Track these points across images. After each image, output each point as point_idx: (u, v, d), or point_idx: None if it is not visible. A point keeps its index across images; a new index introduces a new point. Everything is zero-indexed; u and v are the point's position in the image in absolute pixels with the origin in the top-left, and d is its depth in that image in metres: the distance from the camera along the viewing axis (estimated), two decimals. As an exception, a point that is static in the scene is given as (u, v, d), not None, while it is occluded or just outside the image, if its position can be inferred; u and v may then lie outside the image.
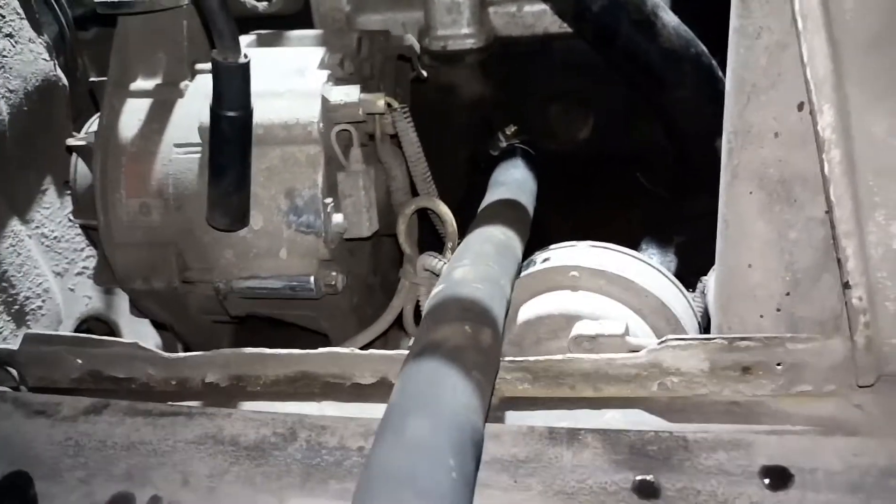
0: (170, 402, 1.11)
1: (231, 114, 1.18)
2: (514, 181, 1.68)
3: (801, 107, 0.97)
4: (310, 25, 1.96)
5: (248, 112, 1.21)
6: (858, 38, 0.90)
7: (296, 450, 1.00)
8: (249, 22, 1.76)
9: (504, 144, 1.88)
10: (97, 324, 1.95)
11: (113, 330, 1.94)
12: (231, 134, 1.20)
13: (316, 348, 1.17)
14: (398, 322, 1.52)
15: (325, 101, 1.34)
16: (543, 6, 1.84)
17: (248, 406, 1.13)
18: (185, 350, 1.83)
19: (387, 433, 0.80)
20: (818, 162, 0.94)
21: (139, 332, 1.97)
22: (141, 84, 1.45)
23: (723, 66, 1.08)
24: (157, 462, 1.02)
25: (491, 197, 1.59)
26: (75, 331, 1.80)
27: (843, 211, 0.93)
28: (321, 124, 1.33)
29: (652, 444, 0.92)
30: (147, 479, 1.01)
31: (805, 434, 0.93)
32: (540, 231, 1.67)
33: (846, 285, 0.95)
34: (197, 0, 1.07)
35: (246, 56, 1.16)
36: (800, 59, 0.91)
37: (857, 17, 0.90)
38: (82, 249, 1.83)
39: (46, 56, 1.66)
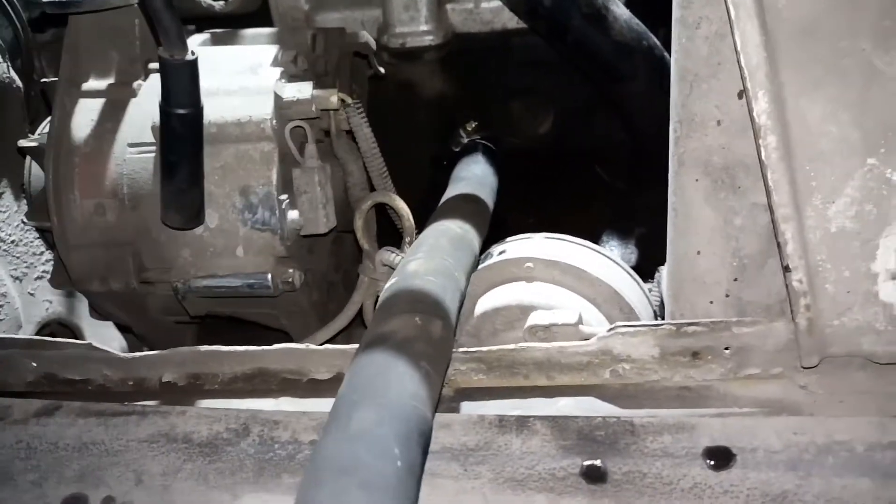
0: (125, 403, 1.10)
1: (180, 111, 1.18)
2: (474, 176, 1.70)
3: (740, 95, 0.99)
4: (269, 24, 1.96)
5: (197, 109, 1.21)
6: (791, 26, 0.92)
7: (248, 445, 1.00)
8: (206, 22, 1.75)
9: (465, 140, 1.89)
10: (60, 328, 1.93)
11: (75, 333, 1.92)
12: (181, 131, 1.20)
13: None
14: (360, 317, 1.53)
15: (277, 97, 1.34)
16: (500, 3, 1.86)
17: (206, 404, 1.12)
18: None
19: (333, 425, 0.80)
20: (758, 148, 0.96)
21: (102, 336, 1.95)
22: (93, 84, 1.44)
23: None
24: (110, 462, 1.01)
25: (451, 192, 1.60)
26: (37, 335, 1.79)
27: (780, 196, 0.95)
28: (274, 121, 1.33)
29: (599, 429, 0.93)
30: (100, 479, 1.01)
31: (748, 415, 0.95)
32: (502, 226, 1.69)
33: (786, 269, 0.97)
34: (142, -1, 1.06)
35: (193, 53, 1.16)
36: (734, 48, 0.92)
37: (789, 6, 0.92)
38: (41, 253, 1.81)
39: (-1, 58, 1.64)
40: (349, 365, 0.92)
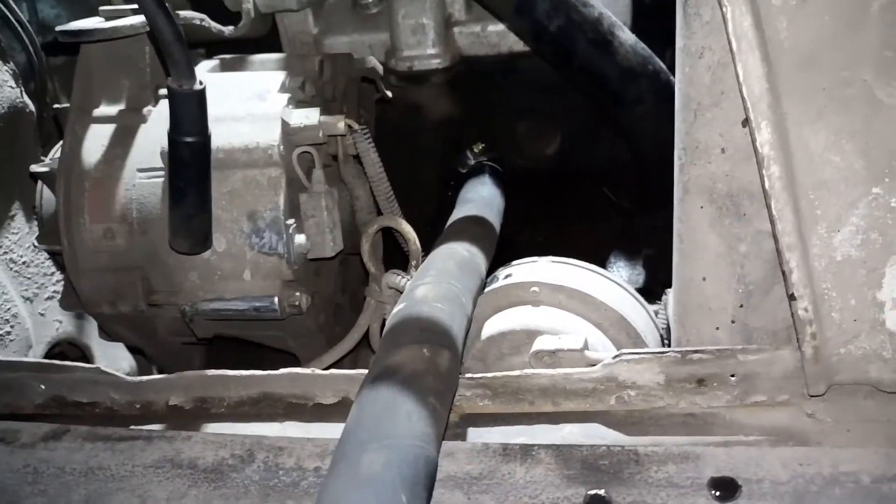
0: (131, 427, 1.11)
1: (189, 139, 1.20)
2: (480, 198, 1.70)
3: (744, 123, 0.99)
4: (279, 49, 1.98)
5: (205, 137, 1.22)
6: (793, 57, 0.92)
7: (253, 471, 1.00)
8: (217, 46, 1.78)
9: (472, 162, 1.89)
10: (70, 348, 1.94)
11: (85, 354, 1.94)
12: (189, 158, 1.21)
13: (281, 368, 1.17)
14: (366, 340, 1.53)
15: (285, 124, 1.36)
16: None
17: (212, 428, 1.13)
18: (159, 372, 1.83)
19: (341, 466, 0.80)
20: (762, 177, 0.96)
21: (112, 356, 1.97)
22: (104, 110, 1.46)
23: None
24: (116, 487, 1.02)
25: (457, 214, 1.60)
26: (47, 355, 1.80)
27: (784, 224, 0.95)
28: (281, 147, 1.34)
29: (604, 458, 0.93)
30: (106, 504, 1.01)
31: (754, 444, 0.94)
32: (509, 247, 1.69)
33: (791, 297, 0.97)
34: (151, 30, 1.07)
35: (201, 83, 1.18)
36: (736, 78, 0.93)
37: (791, 37, 0.92)
38: (52, 274, 1.83)
39: (13, 83, 1.66)
40: (356, 396, 0.92)
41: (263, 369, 1.68)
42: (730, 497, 0.86)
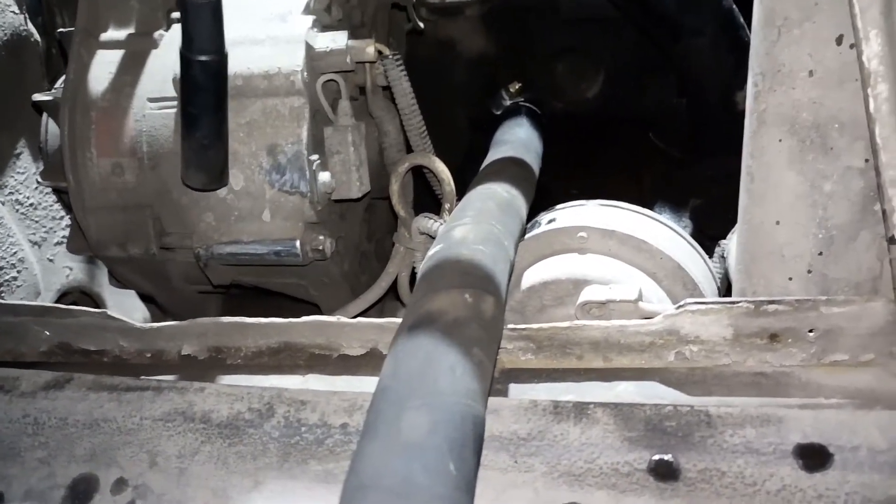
0: (140, 377, 1.01)
1: (203, 58, 1.07)
2: (518, 140, 1.58)
3: (839, 40, 0.86)
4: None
5: (221, 56, 1.10)
6: (911, -46, 0.78)
7: (273, 427, 0.90)
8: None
9: (507, 103, 1.78)
10: (81, 297, 1.86)
11: (97, 302, 1.85)
12: (204, 81, 1.09)
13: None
14: (393, 290, 1.42)
15: (309, 48, 1.23)
16: (549, -46, 1.72)
17: (227, 380, 1.04)
18: (171, 322, 1.74)
19: (378, 426, 0.70)
20: (858, 102, 0.84)
21: (124, 305, 1.88)
22: (112, 34, 1.34)
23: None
24: (123, 441, 0.93)
25: (494, 155, 1.49)
26: (56, 302, 1.72)
27: (890, 155, 0.82)
28: (305, 73, 1.22)
29: (670, 419, 0.81)
30: (112, 459, 0.92)
31: (843, 408, 0.83)
32: (545, 196, 1.57)
33: (892, 240, 0.84)
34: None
35: (217, -8, 1.05)
36: (842, -22, 0.79)
37: (909, -71, 0.78)
38: (62, 218, 1.74)
39: (15, 8, 1.55)
40: (391, 346, 0.82)
41: (285, 320, 1.60)
42: (820, 467, 0.75)
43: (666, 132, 1.80)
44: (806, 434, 0.78)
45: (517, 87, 1.76)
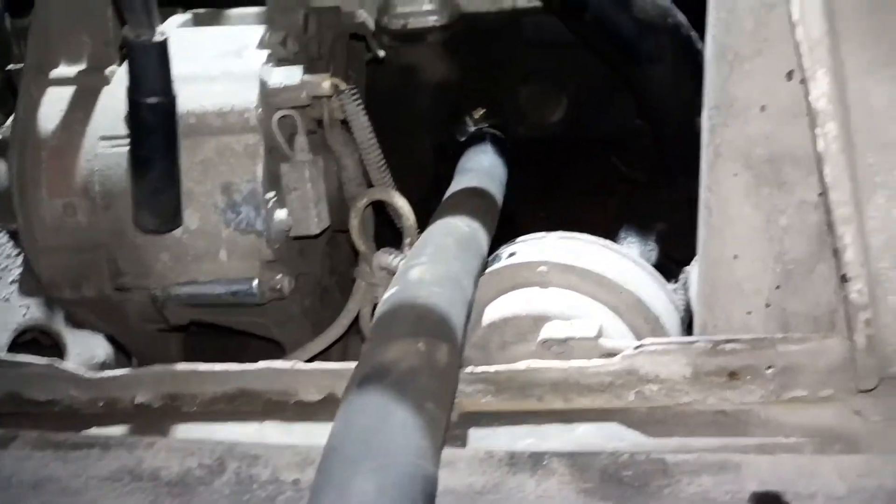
0: (83, 433, 0.99)
1: (150, 100, 1.05)
2: (481, 168, 1.57)
3: (790, 76, 0.86)
4: (261, 4, 1.83)
5: (169, 98, 1.08)
6: (856, -6, 0.78)
7: (223, 484, 0.87)
8: (198, 2, 1.63)
9: (472, 129, 1.76)
10: (41, 335, 1.81)
11: (56, 341, 1.81)
12: (153, 123, 1.07)
13: (265, 356, 1.06)
14: (357, 325, 1.40)
15: (263, 84, 1.22)
16: (510, -21, 1.72)
17: (182, 430, 1.02)
18: (133, 361, 1.71)
19: (327, 492, 0.68)
20: (811, 137, 0.83)
21: (87, 343, 1.83)
22: (63, 70, 1.31)
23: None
24: (67, 502, 0.89)
25: (456, 185, 1.47)
26: (15, 342, 1.68)
27: (839, 193, 0.81)
28: (260, 110, 1.20)
29: (627, 467, 0.80)
30: (56, 520, 0.89)
31: (801, 451, 0.82)
32: (512, 222, 1.56)
33: (844, 278, 0.84)
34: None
35: (163, 33, 1.02)
36: (788, 19, 0.78)
37: (854, -30, 0.78)
38: (18, 255, 1.69)
39: (-36, 44, 1.51)
40: (342, 399, 0.80)
41: (247, 356, 1.55)
42: (777, 515, 0.74)
43: (629, 156, 1.80)
44: (763, 481, 0.77)
45: (481, 113, 1.75)
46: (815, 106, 0.79)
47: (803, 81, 0.80)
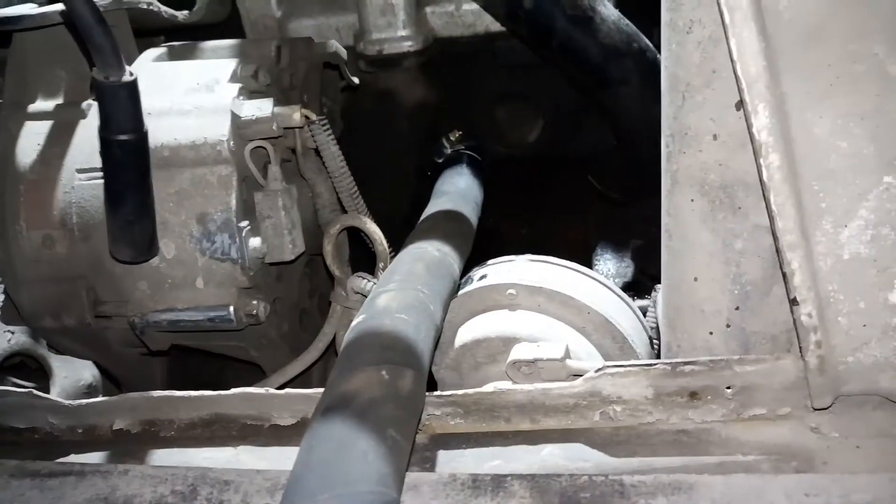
0: (60, 461, 1.01)
1: (122, 137, 1.08)
2: (456, 190, 1.59)
3: (738, 106, 0.89)
4: (241, 35, 1.85)
5: (140, 134, 1.10)
6: (794, 29, 0.81)
7: (195, 511, 0.89)
8: (175, 34, 1.65)
9: (448, 151, 1.78)
10: (27, 360, 1.83)
11: (42, 366, 1.82)
12: (124, 159, 1.10)
13: (245, 376, 1.08)
14: (335, 348, 1.42)
15: (235, 117, 1.24)
16: (481, 5, 1.75)
17: (159, 455, 1.04)
18: (116, 385, 1.72)
19: None
20: (759, 166, 0.86)
21: (73, 366, 1.84)
22: (40, 105, 1.34)
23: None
24: (43, 531, 0.91)
25: (431, 208, 1.49)
26: (0, 367, 1.69)
27: (785, 221, 0.84)
28: (231, 142, 1.23)
29: (585, 489, 0.82)
30: (32, 550, 0.91)
31: (755, 470, 0.84)
32: (491, 239, 1.59)
33: (794, 301, 0.87)
34: (69, 14, 0.95)
35: (132, 73, 1.05)
36: (729, 55, 0.81)
37: (791, 7, 0.81)
38: (0, 283, 1.71)
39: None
40: (307, 429, 0.82)
41: (228, 377, 1.59)
42: (728, 535, 0.76)
43: (603, 174, 1.83)
44: (715, 501, 0.79)
45: (458, 134, 1.78)
46: (757, 138, 0.82)
47: (746, 114, 0.83)
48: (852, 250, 0.86)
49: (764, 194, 0.85)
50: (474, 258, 1.36)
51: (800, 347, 0.89)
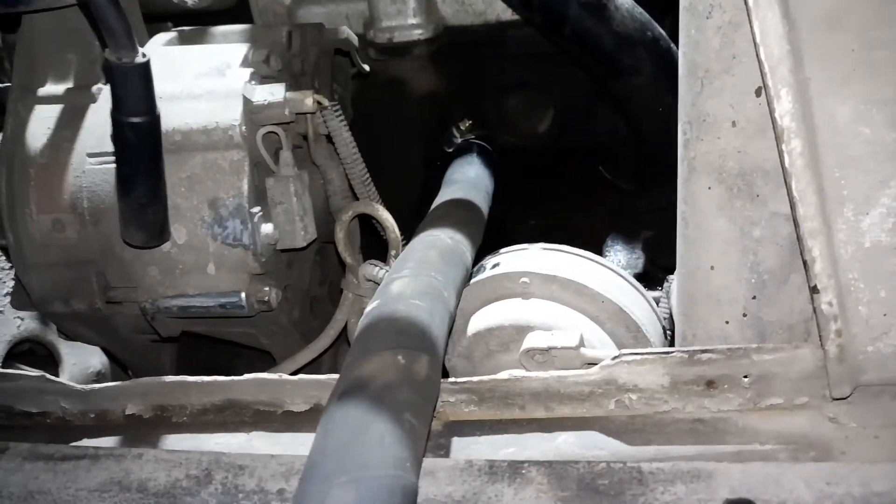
0: (75, 444, 1.00)
1: (134, 120, 1.07)
2: (467, 179, 1.58)
3: (758, 92, 0.88)
4: (249, 21, 1.84)
5: (153, 117, 1.09)
6: (817, 14, 0.80)
7: (210, 495, 0.89)
8: (184, 20, 1.64)
9: (459, 140, 1.78)
10: (36, 346, 1.82)
11: (51, 352, 1.82)
12: (137, 142, 1.09)
13: (257, 363, 1.08)
14: (346, 335, 1.42)
15: (247, 101, 1.23)
16: (492, -7, 1.74)
17: (171, 440, 1.03)
18: (125, 371, 1.72)
19: None
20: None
21: (82, 353, 1.84)
22: (50, 88, 1.33)
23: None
24: (56, 514, 0.91)
25: (442, 197, 1.49)
26: (8, 354, 1.69)
27: (807, 207, 0.83)
28: (243, 127, 1.22)
29: (602, 477, 0.82)
30: (46, 532, 0.91)
31: (772, 459, 0.84)
32: (500, 230, 1.58)
33: (814, 290, 0.86)
34: (82, -5, 0.94)
35: (144, 55, 1.04)
36: (752, 39, 0.80)
37: (815, -10, 0.80)
38: (11, 268, 1.71)
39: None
40: (323, 414, 0.81)
41: (239, 364, 1.58)
42: (747, 522, 0.76)
43: (615, 165, 1.82)
44: (734, 489, 0.79)
45: (468, 124, 1.77)
46: (780, 123, 0.81)
47: (768, 99, 0.82)
48: (873, 238, 0.85)
49: (785, 180, 0.84)
50: (484, 248, 1.35)
51: (819, 336, 0.88)
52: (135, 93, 1.05)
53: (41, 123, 1.30)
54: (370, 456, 0.73)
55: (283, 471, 0.90)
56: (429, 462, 0.87)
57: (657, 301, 1.34)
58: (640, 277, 1.67)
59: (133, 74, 1.03)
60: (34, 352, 1.80)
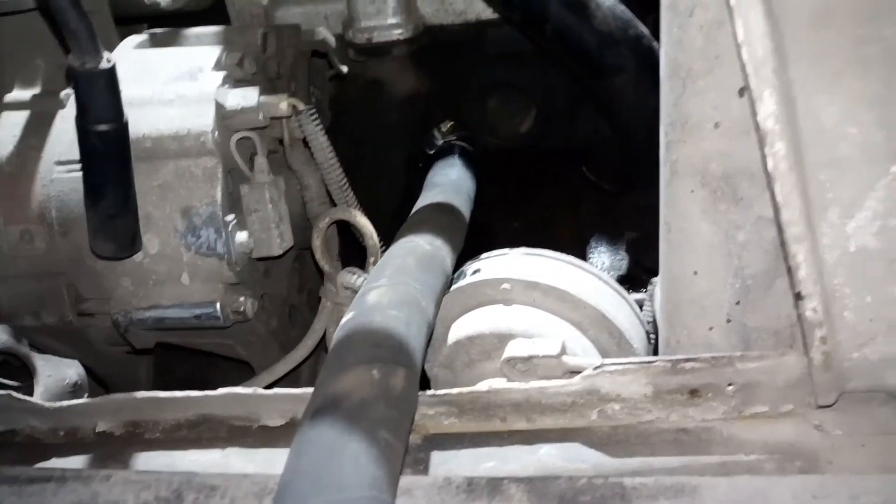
0: (40, 466, 0.97)
1: (101, 128, 1.03)
2: (448, 182, 1.56)
3: (742, 92, 0.86)
4: (226, 23, 1.81)
5: (119, 124, 1.06)
6: (802, 12, 0.78)
7: (180, 517, 0.86)
8: (158, 22, 1.61)
9: (440, 142, 1.75)
10: (10, 358, 1.78)
11: (26, 364, 1.78)
12: (104, 151, 1.05)
13: (234, 374, 1.05)
14: (325, 344, 1.39)
15: (219, 106, 1.20)
16: (472, -8, 1.71)
17: (144, 458, 1.00)
18: (100, 384, 1.69)
19: None
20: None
21: (58, 364, 1.80)
22: (17, 94, 1.29)
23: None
24: (21, 539, 0.88)
25: (422, 201, 1.46)
26: (-17, 366, 1.65)
27: (791, 212, 0.81)
28: (216, 133, 1.19)
29: (584, 493, 0.79)
30: (9, 560, 0.88)
31: (758, 470, 0.82)
32: (484, 233, 1.55)
33: (798, 296, 0.84)
34: (42, -1, 0.91)
35: (109, 60, 1.01)
36: (734, 38, 0.78)
37: (798, -12, 0.77)
38: (-18, 278, 1.66)
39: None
40: (296, 433, 0.79)
41: (217, 374, 1.55)
42: (733, 541, 0.73)
43: (597, 165, 1.80)
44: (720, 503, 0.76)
45: (449, 125, 1.74)
46: (763, 126, 0.79)
47: (751, 101, 0.80)
48: (859, 242, 0.83)
49: (768, 184, 0.82)
50: (467, 252, 1.33)
51: (804, 343, 0.86)
52: (100, 99, 1.01)
53: (7, 131, 1.26)
54: (345, 477, 0.70)
55: (256, 490, 0.87)
56: (406, 480, 0.84)
57: (641, 304, 1.32)
58: (623, 279, 1.66)
59: (98, 80, 1.00)
60: (9, 363, 1.76)
